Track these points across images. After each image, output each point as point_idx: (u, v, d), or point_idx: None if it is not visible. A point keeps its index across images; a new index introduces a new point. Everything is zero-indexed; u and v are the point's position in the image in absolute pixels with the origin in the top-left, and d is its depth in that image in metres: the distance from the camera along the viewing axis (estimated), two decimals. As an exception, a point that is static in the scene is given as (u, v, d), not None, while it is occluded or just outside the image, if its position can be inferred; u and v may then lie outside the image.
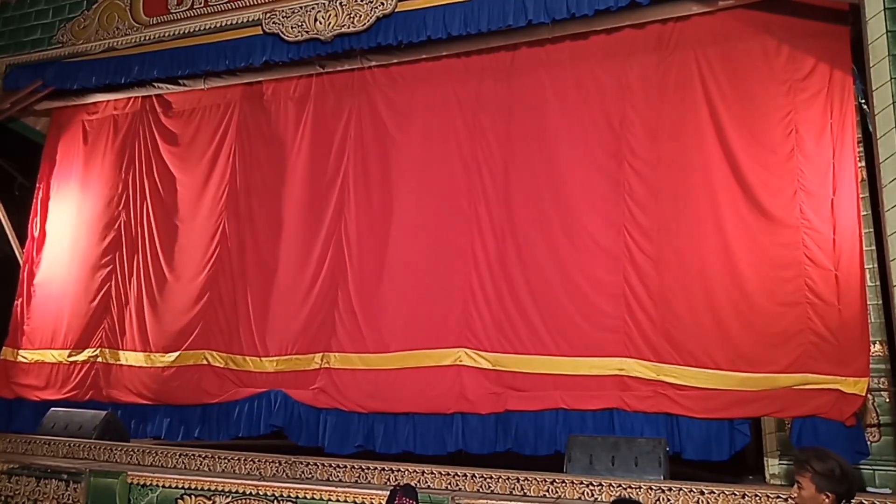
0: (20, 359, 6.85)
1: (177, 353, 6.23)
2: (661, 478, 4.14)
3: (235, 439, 5.79)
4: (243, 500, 4.44)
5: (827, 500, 2.86)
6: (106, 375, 6.44)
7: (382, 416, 5.35)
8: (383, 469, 4.60)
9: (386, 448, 5.28)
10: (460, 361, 5.24)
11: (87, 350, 6.60)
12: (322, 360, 5.68)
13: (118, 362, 6.45)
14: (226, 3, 6.07)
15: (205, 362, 6.11)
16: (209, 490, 4.51)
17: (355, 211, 5.92)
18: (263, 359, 5.91)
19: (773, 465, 4.71)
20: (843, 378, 4.29)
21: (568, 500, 4.10)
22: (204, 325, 6.23)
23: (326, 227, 5.99)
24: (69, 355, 6.65)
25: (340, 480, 4.63)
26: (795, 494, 2.96)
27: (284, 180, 6.25)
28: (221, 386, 5.96)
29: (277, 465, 4.88)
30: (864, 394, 4.29)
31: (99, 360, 6.52)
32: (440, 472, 4.45)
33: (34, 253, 7.17)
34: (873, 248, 4.72)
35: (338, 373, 5.59)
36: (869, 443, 4.61)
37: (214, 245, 6.38)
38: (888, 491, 4.45)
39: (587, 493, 4.09)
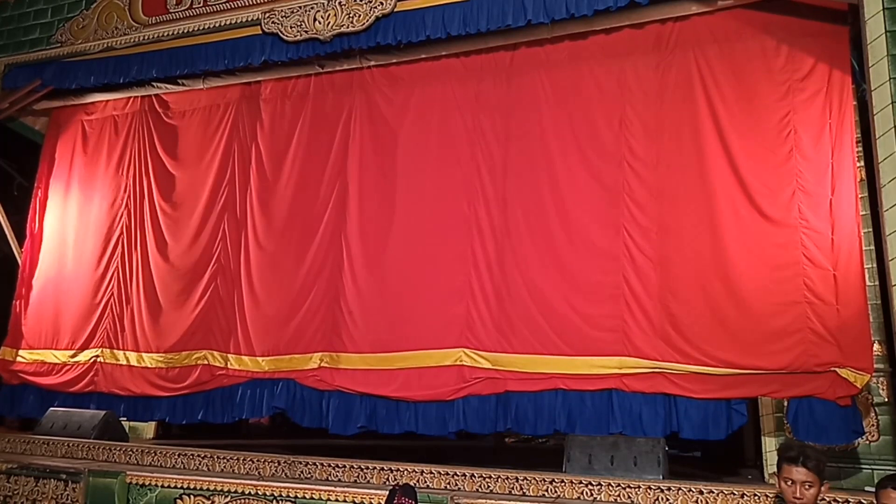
0: (19, 359, 6.85)
1: (178, 353, 6.23)
2: (661, 477, 4.15)
3: (237, 438, 5.80)
4: (242, 500, 4.44)
5: (824, 488, 2.94)
6: (107, 375, 6.43)
7: (385, 400, 5.35)
8: (382, 469, 4.61)
9: (388, 429, 5.30)
10: (460, 361, 5.24)
11: (88, 350, 6.60)
12: (321, 360, 5.68)
13: (118, 362, 6.44)
14: (225, 2, 6.06)
15: (205, 362, 6.10)
16: (208, 490, 4.52)
17: (355, 211, 5.91)
18: (263, 358, 5.90)
19: (773, 465, 4.71)
20: (844, 369, 4.30)
21: (567, 499, 4.11)
22: (204, 325, 6.23)
23: (326, 227, 5.98)
24: (71, 356, 6.64)
25: (339, 480, 4.64)
26: (800, 496, 2.92)
27: (283, 180, 6.24)
28: (222, 385, 5.95)
29: (276, 464, 4.89)
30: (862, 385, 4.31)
31: (100, 359, 6.51)
32: (439, 472, 4.46)
33: (33, 253, 7.16)
34: (872, 247, 4.73)
35: (337, 372, 5.59)
36: (868, 443, 4.63)
37: (215, 245, 6.38)
38: (888, 490, 4.45)
39: (586, 493, 4.10)
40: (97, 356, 6.54)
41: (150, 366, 6.30)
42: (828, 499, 3.75)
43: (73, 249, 7.01)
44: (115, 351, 6.50)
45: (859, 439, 4.54)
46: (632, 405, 4.72)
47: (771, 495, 3.83)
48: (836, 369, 4.29)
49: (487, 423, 5.04)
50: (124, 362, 6.42)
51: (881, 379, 4.77)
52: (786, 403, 4.58)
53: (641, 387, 4.71)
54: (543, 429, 4.88)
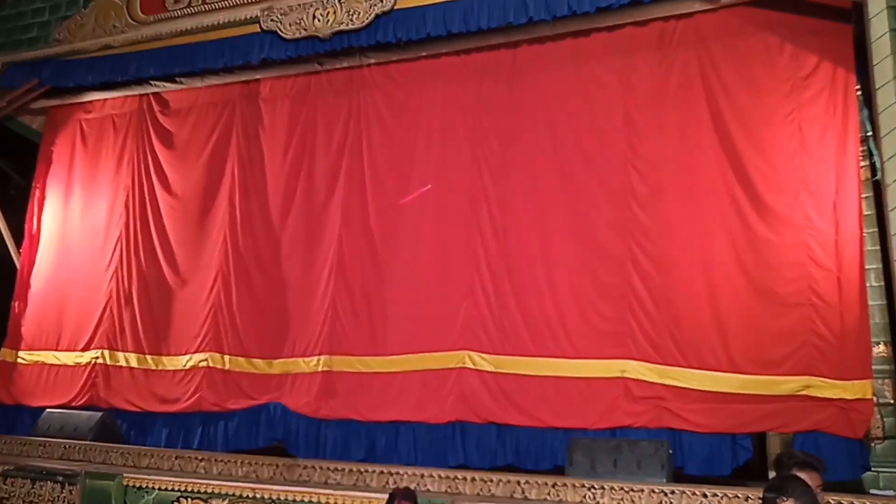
0: (20, 360, 6.81)
1: (179, 357, 6.20)
2: (664, 480, 4.09)
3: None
4: (240, 503, 4.40)
5: None
6: (106, 378, 6.38)
7: (383, 430, 5.34)
8: (382, 472, 4.57)
9: (387, 461, 5.21)
10: (463, 364, 5.21)
11: (88, 352, 6.55)
12: (323, 363, 5.64)
13: (118, 364, 6.40)
14: (223, 0, 6.01)
15: (207, 365, 6.05)
16: (205, 493, 4.50)
17: (356, 211, 5.87)
18: (265, 361, 5.89)
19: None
20: (844, 382, 4.26)
21: (569, 503, 4.06)
22: (206, 327, 6.18)
23: (327, 228, 5.95)
24: (72, 357, 6.59)
25: (339, 483, 4.60)
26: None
27: (284, 179, 6.21)
28: (224, 389, 5.92)
29: (275, 467, 4.84)
30: (868, 396, 4.26)
31: (100, 361, 6.46)
32: (440, 476, 4.42)
33: (31, 253, 7.13)
34: (877, 247, 4.69)
35: (339, 376, 5.56)
36: (873, 444, 4.59)
37: (217, 246, 6.33)
38: (892, 493, 4.43)
39: (589, 496, 4.06)
40: (97, 358, 6.48)
41: (151, 368, 6.26)
42: (832, 502, 3.70)
43: (72, 250, 6.97)
44: (116, 353, 6.45)
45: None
46: None
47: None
48: (842, 393, 4.24)
49: (488, 457, 5.00)
50: (124, 364, 6.37)
51: (886, 380, 4.74)
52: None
53: (644, 422, 4.64)
54: (545, 463, 4.83)
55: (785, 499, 2.44)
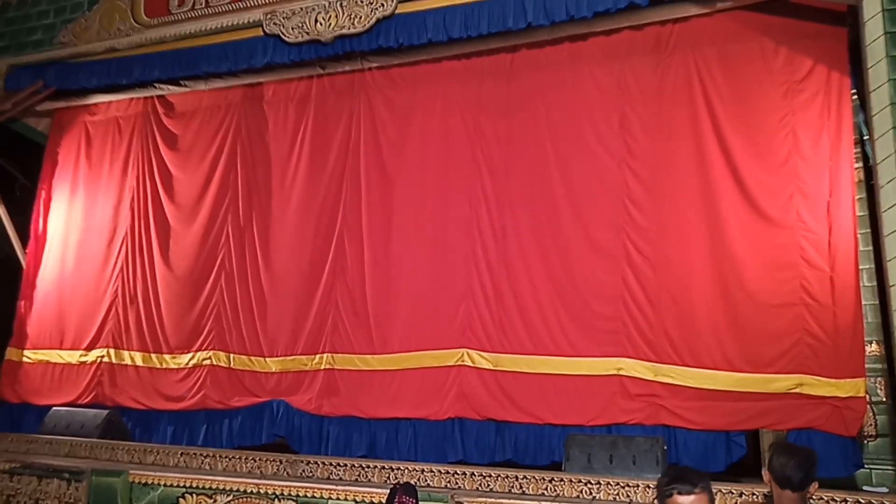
0: (25, 359, 6.88)
1: (183, 355, 6.27)
2: (659, 476, 4.15)
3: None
4: (244, 499, 4.46)
5: None
6: (112, 376, 6.45)
7: (384, 427, 5.40)
8: (383, 468, 4.64)
9: (388, 457, 5.27)
10: (462, 362, 5.28)
11: (93, 351, 6.62)
12: (325, 361, 5.71)
13: (123, 362, 6.47)
14: (227, 4, 6.05)
15: (210, 363, 6.13)
16: (210, 489, 4.54)
17: (357, 213, 5.94)
18: (268, 359, 5.95)
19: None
20: (837, 381, 4.31)
21: (566, 498, 4.13)
22: (209, 326, 6.25)
23: (328, 229, 6.02)
24: (77, 356, 6.66)
25: (341, 479, 4.67)
26: None
27: (285, 182, 6.27)
28: (228, 387, 5.99)
29: (278, 463, 4.91)
30: (861, 394, 4.31)
31: (105, 360, 6.53)
32: (440, 471, 4.49)
33: (37, 253, 7.19)
34: (870, 248, 4.75)
35: (340, 374, 5.63)
36: (865, 442, 4.65)
37: (219, 247, 6.40)
38: (885, 490, 4.49)
39: (585, 492, 4.13)
40: (103, 356, 6.55)
41: (156, 366, 6.33)
42: (825, 498, 3.77)
43: (77, 250, 7.03)
44: (121, 351, 6.52)
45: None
46: None
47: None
48: (835, 391, 4.29)
49: (486, 453, 5.06)
50: (130, 362, 6.44)
51: (879, 379, 4.80)
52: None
53: (640, 418, 4.70)
54: (543, 459, 4.89)
55: (703, 489, 2.43)
